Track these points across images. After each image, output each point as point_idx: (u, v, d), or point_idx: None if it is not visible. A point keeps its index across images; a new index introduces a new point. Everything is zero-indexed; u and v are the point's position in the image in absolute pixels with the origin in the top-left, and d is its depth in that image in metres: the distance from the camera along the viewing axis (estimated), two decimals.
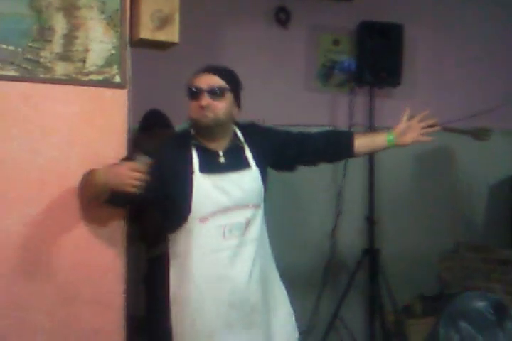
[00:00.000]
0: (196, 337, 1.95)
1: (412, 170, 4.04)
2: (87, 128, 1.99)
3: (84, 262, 2.00)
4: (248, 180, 2.01)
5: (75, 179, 1.94)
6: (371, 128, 3.58)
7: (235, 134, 2.07)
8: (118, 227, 2.04)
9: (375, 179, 3.61)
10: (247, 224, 2.00)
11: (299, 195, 3.64)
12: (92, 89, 1.99)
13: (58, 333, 1.94)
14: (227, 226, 1.96)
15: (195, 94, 1.94)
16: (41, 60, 1.91)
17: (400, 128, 2.24)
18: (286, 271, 3.64)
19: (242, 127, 2.10)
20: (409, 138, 2.24)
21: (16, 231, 1.91)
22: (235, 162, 2.01)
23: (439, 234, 4.02)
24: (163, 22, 2.11)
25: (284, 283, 2.20)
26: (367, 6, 3.73)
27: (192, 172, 1.94)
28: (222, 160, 2.00)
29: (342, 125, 3.69)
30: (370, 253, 3.53)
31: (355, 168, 3.65)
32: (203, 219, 1.94)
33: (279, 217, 3.52)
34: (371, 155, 3.56)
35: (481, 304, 2.56)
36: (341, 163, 3.60)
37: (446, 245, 4.03)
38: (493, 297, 2.53)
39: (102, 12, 2.00)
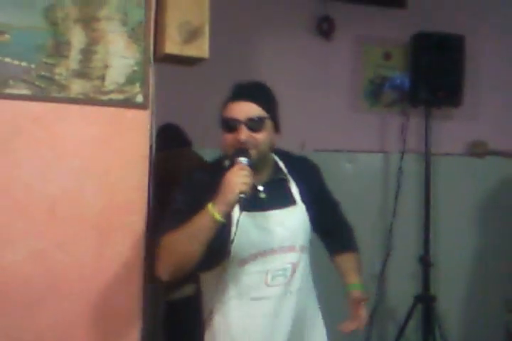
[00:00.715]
0: None
1: (475, 205, 4.02)
2: (105, 154, 2.03)
3: (96, 303, 2.02)
4: (294, 218, 2.01)
5: (89, 210, 2.00)
6: (427, 156, 3.58)
7: (276, 165, 2.08)
8: (135, 266, 2.07)
9: (430, 215, 3.59)
10: (294, 269, 2.00)
11: None
12: (112, 109, 2.04)
13: None
14: (269, 272, 1.96)
15: (231, 126, 1.93)
16: (56, 77, 1.97)
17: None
18: (327, 319, 3.65)
19: (284, 156, 2.12)
20: (352, 325, 2.19)
21: (21, 266, 1.94)
22: (278, 197, 2.01)
23: (506, 279, 3.97)
24: (192, 35, 2.15)
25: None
26: (423, 15, 3.76)
27: None
28: (262, 195, 1.99)
29: (393, 151, 3.70)
30: (424, 301, 3.49)
31: (409, 201, 3.65)
32: (242, 262, 1.94)
33: (319, 257, 3.52)
34: (427, 187, 3.55)
35: None
36: (391, 195, 3.62)
37: None
38: None
39: (124, 24, 2.05)
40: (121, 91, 2.05)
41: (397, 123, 3.72)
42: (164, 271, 1.86)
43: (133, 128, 2.08)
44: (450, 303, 3.73)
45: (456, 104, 3.68)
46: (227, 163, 1.96)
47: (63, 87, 1.98)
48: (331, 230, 2.26)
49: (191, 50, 2.14)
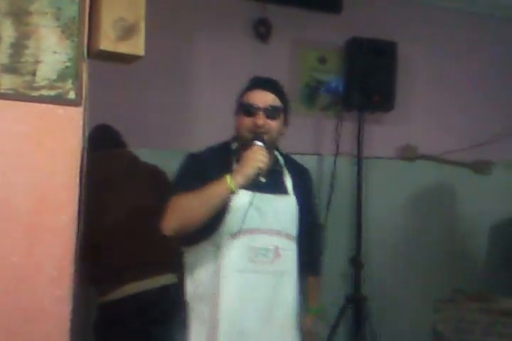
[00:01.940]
0: None
1: (405, 207, 4.09)
2: (35, 151, 1.96)
3: (22, 306, 1.94)
4: (284, 206, 2.18)
5: (17, 209, 1.92)
6: (359, 159, 3.62)
7: (276, 157, 2.28)
8: (65, 267, 1.99)
9: (362, 217, 3.63)
10: (276, 253, 2.13)
11: None
12: (43, 106, 1.96)
13: None
14: (254, 249, 2.11)
15: (250, 111, 2.16)
16: None
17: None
18: None
19: (286, 156, 2.35)
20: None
21: None
22: (273, 185, 2.17)
23: (433, 280, 4.06)
24: (127, 32, 2.10)
25: None
26: (357, 20, 3.81)
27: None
28: (262, 179, 2.08)
29: (327, 153, 3.73)
30: (355, 301, 3.53)
31: (340, 204, 3.69)
32: (233, 236, 2.09)
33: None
34: (359, 189, 3.59)
35: None
36: (324, 198, 3.64)
37: (442, 293, 4.05)
38: None
39: (57, 19, 1.99)
40: (52, 88, 1.98)
41: (332, 127, 3.76)
42: (169, 225, 2.04)
43: (64, 125, 2.00)
44: (380, 303, 3.77)
45: (388, 109, 3.75)
46: (235, 145, 2.23)
47: None
48: (302, 247, 2.31)
49: (126, 47, 2.08)
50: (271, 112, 2.16)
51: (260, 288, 2.12)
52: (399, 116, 3.90)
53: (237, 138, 2.26)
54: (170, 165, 2.41)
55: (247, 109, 2.17)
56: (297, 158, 3.72)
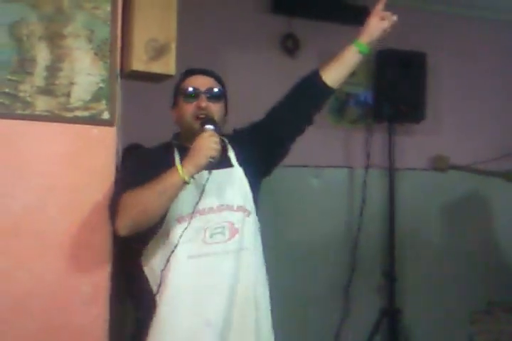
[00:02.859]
0: None
1: (438, 220, 4.06)
2: (70, 171, 2.00)
3: (60, 323, 1.96)
4: (229, 179, 2.07)
5: (53, 228, 1.95)
6: (391, 170, 3.60)
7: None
8: (101, 285, 2.02)
9: (395, 229, 3.61)
10: (232, 229, 2.03)
11: (307, 247, 3.63)
12: (77, 126, 2.00)
13: None
14: (208, 230, 2.00)
15: (191, 95, 2.07)
16: (20, 94, 1.93)
17: (365, 32, 2.22)
18: (295, 331, 3.63)
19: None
20: (373, 30, 2.22)
21: None
22: (217, 162, 2.00)
23: (469, 292, 4.01)
24: (159, 52, 2.14)
25: None
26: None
27: (172, 166, 1.96)
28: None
29: (358, 166, 3.72)
30: (390, 314, 3.51)
31: (373, 217, 3.67)
32: (181, 219, 1.98)
33: (285, 271, 3.52)
34: (391, 202, 3.57)
35: None
36: (356, 211, 3.62)
37: (478, 305, 4.00)
38: None
39: (90, 41, 2.03)
40: (86, 108, 2.02)
41: (362, 139, 3.75)
42: (123, 225, 1.89)
43: (99, 145, 2.04)
44: (415, 316, 3.75)
45: (419, 120, 3.73)
46: (175, 142, 2.12)
47: (28, 104, 1.94)
48: (292, 97, 2.24)
49: (158, 67, 2.12)
50: (213, 95, 2.08)
51: (220, 271, 2.00)
52: (429, 127, 3.88)
53: (177, 134, 2.17)
54: None
55: (187, 94, 2.07)
56: (329, 171, 3.77)
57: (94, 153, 2.03)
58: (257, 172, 2.17)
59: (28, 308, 1.94)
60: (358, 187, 3.72)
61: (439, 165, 4.03)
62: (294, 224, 3.62)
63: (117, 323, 2.16)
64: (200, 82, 2.10)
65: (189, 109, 2.07)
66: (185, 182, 1.87)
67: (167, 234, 1.99)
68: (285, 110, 2.22)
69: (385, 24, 2.21)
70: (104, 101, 2.04)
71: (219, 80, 2.16)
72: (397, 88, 3.63)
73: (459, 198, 4.12)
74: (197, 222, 1.99)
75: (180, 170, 1.86)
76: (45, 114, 1.96)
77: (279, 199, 3.57)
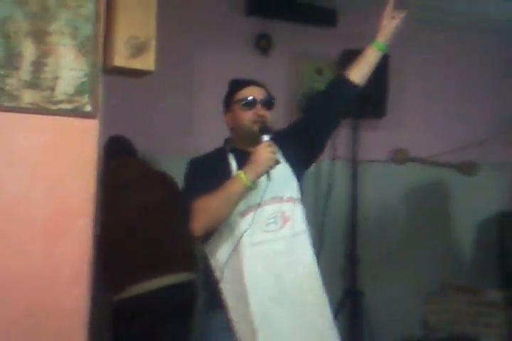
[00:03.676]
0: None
1: (398, 207, 4.09)
2: (55, 160, 1.96)
3: (45, 303, 1.94)
4: (279, 174, 2.13)
5: (39, 213, 1.92)
6: (354, 162, 3.62)
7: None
8: (82, 267, 1.99)
9: (358, 216, 3.63)
10: (284, 217, 2.15)
11: None
12: (61, 118, 1.96)
13: None
14: (264, 220, 2.12)
15: (250, 104, 2.20)
16: (7, 87, 1.88)
17: (381, 32, 2.43)
18: None
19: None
20: (388, 28, 2.42)
21: None
22: None
23: (424, 276, 4.05)
24: (139, 49, 2.10)
25: None
26: (351, 33, 3.79)
27: (230, 171, 2.17)
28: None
29: (325, 158, 3.72)
30: (352, 295, 3.53)
31: (338, 205, 3.68)
32: (243, 214, 2.11)
33: None
34: (354, 192, 3.59)
35: None
36: (322, 200, 3.64)
37: (432, 286, 4.05)
38: None
39: (74, 38, 1.99)
40: (70, 101, 1.98)
41: None
42: (199, 227, 2.06)
43: (82, 136, 2.00)
44: (375, 296, 3.78)
45: (380, 116, 3.74)
46: (228, 146, 2.26)
47: (14, 97, 1.90)
48: (325, 98, 2.39)
49: (138, 63, 2.09)
50: (268, 103, 2.23)
51: (277, 254, 2.12)
52: (390, 122, 3.90)
53: (230, 139, 2.30)
54: (178, 169, 2.40)
55: (246, 103, 2.20)
56: None
57: (77, 143, 2.00)
58: (301, 166, 2.31)
59: (15, 290, 1.91)
60: (324, 177, 3.73)
61: (399, 157, 4.07)
62: None
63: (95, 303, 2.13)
64: (256, 92, 2.23)
65: (247, 115, 2.19)
66: (249, 188, 2.03)
67: (231, 228, 2.11)
68: (322, 112, 2.35)
69: (395, 22, 2.42)
70: (86, 95, 2.00)
71: (268, 91, 2.28)
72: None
73: (417, 188, 4.15)
74: (256, 214, 2.10)
75: (244, 177, 2.01)
76: (31, 106, 1.92)
77: None
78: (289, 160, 2.24)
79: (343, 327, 3.60)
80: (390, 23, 2.41)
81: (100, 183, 2.14)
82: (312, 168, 3.78)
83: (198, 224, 2.06)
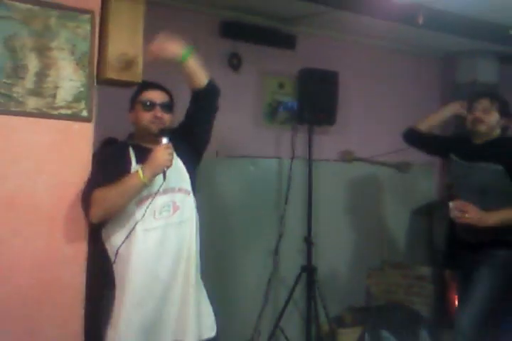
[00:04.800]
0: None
1: (345, 199, 4.10)
2: (55, 158, 1.93)
3: (47, 279, 1.91)
4: (173, 168, 2.01)
5: (42, 203, 1.89)
6: (310, 161, 3.61)
7: None
8: (79, 248, 1.97)
9: (312, 205, 3.62)
10: (175, 206, 2.04)
11: (245, 219, 3.62)
12: (61, 122, 1.93)
13: None
14: (157, 208, 2.00)
15: (149, 106, 2.08)
16: (14, 94, 1.84)
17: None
18: (234, 285, 3.62)
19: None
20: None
21: None
22: None
23: (367, 254, 4.07)
24: (128, 64, 2.08)
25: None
26: (308, 55, 3.81)
27: (130, 163, 2.02)
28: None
29: (285, 156, 3.71)
30: (308, 270, 3.52)
31: (296, 197, 3.67)
32: (139, 202, 1.98)
33: (230, 240, 3.50)
34: (310, 186, 3.58)
35: (400, 315, 2.59)
36: (283, 193, 3.63)
37: (373, 263, 4.08)
38: (411, 309, 2.56)
39: (73, 53, 1.95)
40: (69, 107, 1.95)
41: (289, 136, 3.72)
42: (96, 215, 1.92)
43: (79, 137, 1.98)
44: (327, 272, 3.78)
45: (331, 123, 3.73)
46: (131, 141, 2.13)
47: (20, 103, 1.86)
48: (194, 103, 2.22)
49: (127, 76, 2.08)
50: (166, 107, 2.10)
51: (168, 238, 2.00)
52: (339, 128, 3.89)
53: (133, 134, 2.16)
54: None
55: (146, 105, 2.07)
56: (263, 161, 3.76)
57: (75, 143, 1.97)
58: (191, 162, 2.18)
59: (21, 267, 1.87)
60: (285, 173, 3.71)
61: (346, 157, 4.07)
62: (235, 201, 3.60)
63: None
64: (157, 96, 2.10)
65: (146, 116, 2.07)
66: (145, 185, 1.92)
67: (127, 215, 1.97)
68: (196, 116, 2.22)
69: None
70: (83, 102, 1.98)
71: (170, 94, 2.16)
72: (315, 98, 3.62)
73: (361, 182, 4.17)
74: (149, 203, 1.98)
75: (142, 175, 1.89)
76: (35, 111, 1.89)
77: (224, 182, 3.54)
78: (182, 156, 2.12)
79: (301, 297, 3.60)
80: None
81: None
82: (275, 166, 3.83)
83: (96, 212, 1.91)
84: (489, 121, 2.68)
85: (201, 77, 2.19)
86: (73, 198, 1.95)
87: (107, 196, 1.91)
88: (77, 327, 1.93)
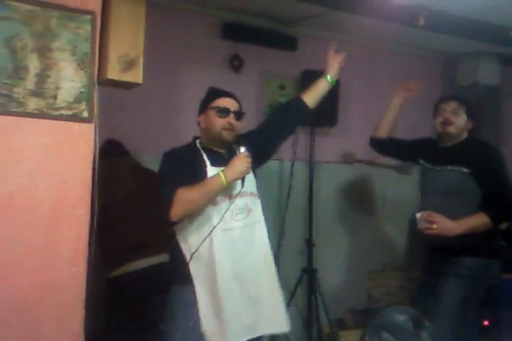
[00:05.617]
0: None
1: (346, 200, 4.09)
2: (55, 158, 1.91)
3: (47, 280, 1.89)
4: None
5: (42, 204, 1.88)
6: (311, 163, 3.61)
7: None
8: (80, 250, 1.95)
9: (313, 207, 3.62)
10: (248, 209, 2.15)
11: None
12: (62, 122, 1.92)
13: None
14: (234, 210, 2.10)
15: (224, 112, 2.16)
16: (15, 95, 1.83)
17: (329, 68, 2.47)
18: None
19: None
20: (334, 66, 2.48)
21: None
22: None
23: (368, 256, 4.06)
24: (129, 65, 2.07)
25: None
26: (309, 56, 3.79)
27: (205, 166, 2.12)
28: (226, 157, 2.16)
29: (286, 158, 3.71)
30: (309, 272, 3.52)
31: (297, 199, 3.66)
32: (215, 203, 2.08)
33: None
34: (311, 187, 3.58)
35: (401, 317, 2.58)
36: (284, 194, 3.62)
37: (374, 265, 4.07)
38: (412, 311, 2.55)
39: (73, 54, 1.94)
40: (70, 108, 1.94)
41: (290, 138, 3.70)
42: (177, 214, 2.01)
43: (80, 138, 1.97)
44: (328, 274, 3.77)
45: (332, 125, 3.74)
46: (198, 142, 2.22)
47: (21, 104, 1.85)
48: (283, 118, 2.41)
49: (128, 77, 2.06)
50: (238, 115, 2.20)
51: (242, 239, 2.12)
52: (340, 130, 3.89)
53: (199, 137, 2.25)
54: None
55: (221, 111, 2.17)
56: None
57: (76, 144, 1.96)
58: (256, 167, 2.28)
59: (21, 268, 1.86)
60: (286, 175, 3.71)
61: (348, 159, 4.06)
62: None
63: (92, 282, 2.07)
64: (231, 104, 2.20)
65: (220, 122, 2.16)
66: (225, 188, 2.04)
67: (205, 216, 2.07)
68: (278, 125, 2.38)
69: (338, 63, 2.48)
70: (84, 103, 1.97)
71: (240, 104, 2.25)
72: None
73: (362, 185, 4.16)
74: (226, 204, 2.09)
75: (224, 179, 2.00)
76: (36, 112, 1.88)
77: None
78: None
79: (302, 299, 3.60)
80: (333, 62, 2.45)
81: (97, 178, 2.09)
82: (276, 168, 3.82)
83: (177, 211, 2.01)
84: (458, 122, 2.67)
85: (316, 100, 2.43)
86: (73, 199, 1.94)
87: (191, 196, 2.00)
88: (78, 328, 1.91)
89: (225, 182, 2.00)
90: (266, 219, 3.60)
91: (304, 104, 2.40)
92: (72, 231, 1.93)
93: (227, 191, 2.09)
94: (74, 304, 1.92)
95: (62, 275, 1.91)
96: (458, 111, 2.68)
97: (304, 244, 3.63)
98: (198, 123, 2.26)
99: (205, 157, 2.16)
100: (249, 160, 2.05)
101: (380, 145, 3.02)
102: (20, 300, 1.84)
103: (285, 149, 3.75)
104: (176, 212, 2.00)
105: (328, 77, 2.44)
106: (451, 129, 2.67)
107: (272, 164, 3.78)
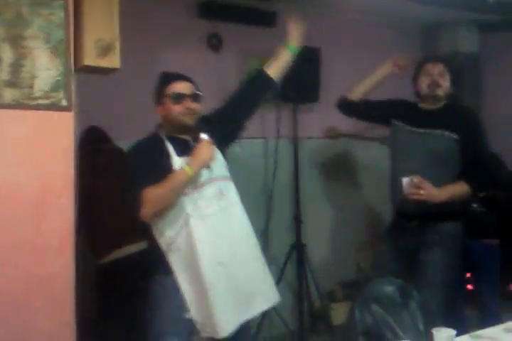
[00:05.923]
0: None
1: (331, 175, 4.11)
2: (36, 149, 1.90)
3: (34, 271, 1.90)
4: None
5: (26, 194, 1.88)
6: (295, 139, 3.61)
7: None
8: (67, 239, 1.95)
9: (299, 184, 3.64)
10: (221, 192, 2.10)
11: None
12: (40, 112, 1.90)
13: (12, 339, 1.83)
14: (206, 197, 2.05)
15: (179, 98, 2.07)
16: None
17: (290, 38, 2.46)
18: None
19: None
20: (295, 35, 2.47)
21: None
22: None
23: (355, 229, 4.12)
24: (105, 50, 2.04)
25: None
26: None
27: (170, 157, 2.04)
28: (191, 145, 2.07)
29: (270, 135, 3.70)
30: (297, 248, 3.56)
31: (284, 175, 3.68)
32: (186, 193, 2.01)
33: None
34: (296, 164, 3.59)
35: (389, 288, 2.62)
36: (270, 172, 3.63)
37: (362, 238, 4.12)
38: (398, 281, 2.60)
39: (47, 42, 1.91)
40: (47, 97, 1.92)
41: (273, 116, 3.71)
42: (147, 214, 1.97)
43: (59, 127, 1.95)
44: (316, 249, 3.82)
45: (315, 100, 3.73)
46: (163, 133, 2.11)
47: None
48: (246, 95, 2.37)
49: (105, 62, 2.04)
50: (195, 97, 2.10)
51: (219, 223, 2.07)
52: (323, 106, 3.86)
53: (163, 125, 2.15)
54: None
55: (175, 97, 2.07)
56: (248, 141, 3.73)
57: (56, 133, 1.94)
58: (223, 149, 2.21)
59: (8, 259, 1.86)
60: (271, 152, 3.72)
61: (331, 134, 4.06)
62: None
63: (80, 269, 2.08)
64: (184, 87, 2.10)
65: (177, 109, 2.07)
66: (192, 180, 1.99)
67: (178, 209, 2.01)
68: (242, 101, 2.32)
69: (297, 29, 2.47)
70: (61, 91, 1.94)
71: (194, 83, 2.16)
72: (298, 76, 3.57)
73: (347, 158, 4.18)
74: (198, 193, 2.04)
75: (189, 171, 1.95)
76: (12, 103, 1.85)
77: None
78: (216, 142, 2.12)
79: (292, 274, 3.64)
80: (294, 32, 2.45)
81: (79, 167, 2.07)
82: (261, 146, 3.82)
83: (148, 211, 1.97)
84: (445, 85, 2.64)
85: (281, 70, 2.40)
86: (57, 188, 1.93)
87: (159, 195, 1.95)
88: (69, 318, 1.93)
89: (190, 174, 1.96)
90: (253, 198, 3.67)
91: (266, 76, 2.36)
92: (59, 221, 1.93)
93: (196, 180, 2.03)
94: (64, 294, 1.93)
95: (50, 265, 1.92)
96: (445, 74, 2.65)
97: (291, 221, 3.66)
98: (159, 114, 2.17)
99: (170, 148, 2.08)
100: (212, 147, 2.00)
101: (349, 106, 2.98)
102: (9, 291, 1.85)
103: (269, 127, 3.75)
104: (146, 211, 1.97)
105: (290, 46, 2.42)
106: (440, 92, 2.64)
107: (256, 142, 3.79)
